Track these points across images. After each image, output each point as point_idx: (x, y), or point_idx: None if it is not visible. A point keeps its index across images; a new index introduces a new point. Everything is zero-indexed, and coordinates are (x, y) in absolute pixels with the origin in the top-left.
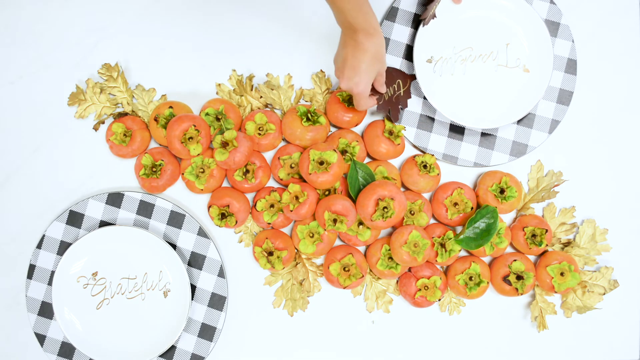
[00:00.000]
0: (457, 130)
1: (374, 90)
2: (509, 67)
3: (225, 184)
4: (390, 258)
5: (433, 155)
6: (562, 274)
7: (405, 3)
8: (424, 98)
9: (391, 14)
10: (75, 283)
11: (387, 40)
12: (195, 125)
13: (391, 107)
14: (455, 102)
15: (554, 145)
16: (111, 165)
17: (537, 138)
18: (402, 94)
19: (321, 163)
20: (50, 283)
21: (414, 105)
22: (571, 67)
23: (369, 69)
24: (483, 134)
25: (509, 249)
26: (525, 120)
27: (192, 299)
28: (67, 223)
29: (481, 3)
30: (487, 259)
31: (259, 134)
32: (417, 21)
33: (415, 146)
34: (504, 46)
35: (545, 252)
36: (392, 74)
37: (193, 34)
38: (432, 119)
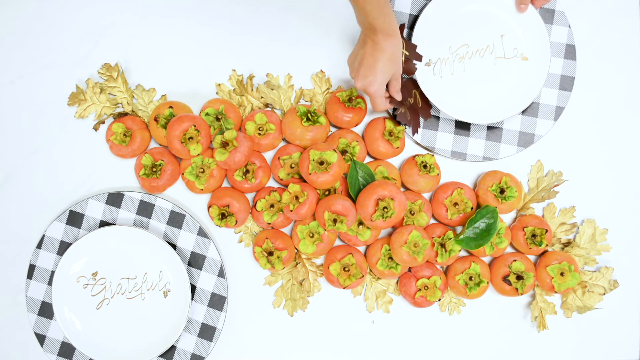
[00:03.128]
0: (463, 126)
1: (390, 97)
2: (507, 58)
3: (225, 184)
4: (390, 258)
5: (433, 155)
6: (562, 274)
7: (399, 5)
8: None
9: None
10: (75, 283)
11: None
12: (195, 125)
13: (412, 116)
14: (459, 100)
15: (554, 145)
16: (111, 165)
17: (543, 126)
18: (420, 105)
19: (321, 163)
20: (50, 283)
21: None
22: (570, 52)
23: (385, 69)
24: (489, 128)
25: (509, 249)
26: (529, 110)
27: (192, 299)
28: (67, 223)
29: None
30: (487, 259)
31: (259, 134)
32: (413, 22)
33: (422, 146)
34: (499, 38)
35: (545, 252)
36: (408, 85)
37: (193, 34)
38: (437, 118)
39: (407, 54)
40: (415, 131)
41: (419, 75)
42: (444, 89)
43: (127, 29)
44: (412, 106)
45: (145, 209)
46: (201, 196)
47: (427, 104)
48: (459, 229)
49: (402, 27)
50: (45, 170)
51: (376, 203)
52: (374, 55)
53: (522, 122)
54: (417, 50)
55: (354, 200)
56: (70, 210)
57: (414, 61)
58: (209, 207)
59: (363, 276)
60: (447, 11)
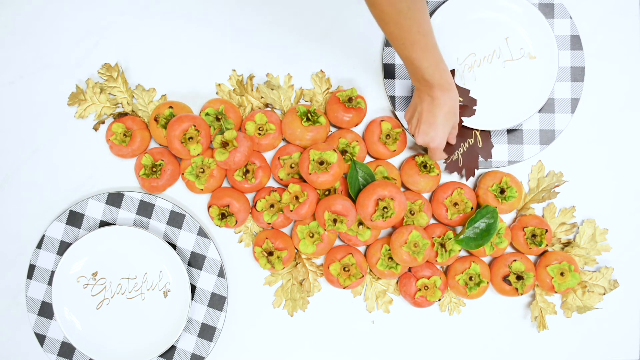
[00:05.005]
0: (482, 134)
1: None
2: (515, 60)
3: (225, 184)
4: (390, 258)
5: None
6: (562, 274)
7: None
8: None
9: None
10: (75, 283)
11: (392, 65)
12: (195, 125)
13: (466, 161)
14: (477, 110)
15: (555, 146)
16: (111, 165)
17: (562, 121)
18: (482, 145)
19: (321, 163)
20: (50, 283)
21: None
22: (576, 43)
23: (445, 123)
24: (509, 131)
25: (509, 249)
26: (545, 107)
27: (192, 299)
28: (67, 223)
29: (468, 7)
30: (487, 259)
31: (259, 134)
32: None
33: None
34: (503, 41)
35: (545, 252)
36: (465, 129)
37: (193, 34)
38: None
39: (462, 100)
40: (471, 174)
41: None
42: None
43: (127, 29)
44: (470, 148)
45: (145, 209)
46: (201, 196)
47: (489, 141)
48: (459, 229)
49: (452, 73)
50: (45, 170)
51: (376, 203)
52: (433, 111)
53: (540, 120)
54: (469, 94)
55: (354, 200)
56: (70, 210)
57: (472, 106)
58: (209, 207)
59: (363, 276)
60: (449, 24)
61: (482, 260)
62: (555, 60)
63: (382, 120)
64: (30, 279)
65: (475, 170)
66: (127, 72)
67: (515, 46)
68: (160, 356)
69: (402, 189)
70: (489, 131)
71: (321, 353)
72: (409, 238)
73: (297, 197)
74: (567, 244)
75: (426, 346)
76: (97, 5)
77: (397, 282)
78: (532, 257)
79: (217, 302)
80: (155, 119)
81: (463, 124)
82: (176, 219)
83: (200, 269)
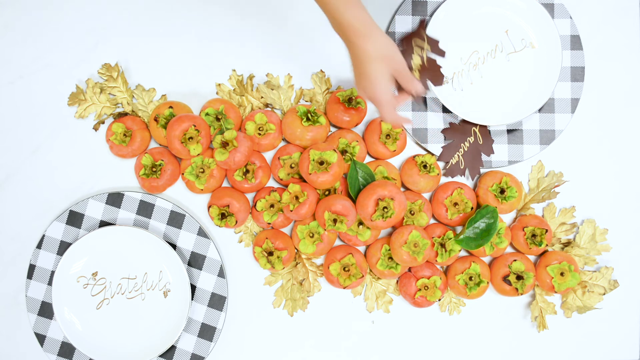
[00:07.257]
0: (483, 133)
1: (403, 91)
2: (518, 52)
3: (225, 184)
4: (390, 258)
5: (433, 155)
6: (562, 274)
7: (400, 26)
8: (444, 111)
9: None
10: (75, 283)
11: None
12: (195, 125)
13: (468, 164)
14: (487, 107)
15: (555, 145)
16: (111, 165)
17: (562, 121)
18: (481, 142)
19: (321, 163)
20: (50, 283)
21: (438, 122)
22: (576, 43)
23: (381, 73)
24: (509, 131)
25: (509, 249)
26: (545, 107)
27: (192, 299)
28: (67, 223)
29: (464, 6)
30: (487, 259)
31: (259, 134)
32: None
33: (423, 147)
34: (504, 34)
35: (545, 252)
36: (462, 127)
37: (193, 34)
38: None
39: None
40: (477, 173)
41: (440, 95)
42: (469, 100)
43: (127, 29)
44: (471, 147)
45: (145, 209)
46: (201, 196)
47: (489, 137)
48: (459, 229)
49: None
50: (45, 170)
51: (376, 203)
52: (362, 62)
53: (540, 120)
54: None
55: (354, 200)
56: (70, 210)
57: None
58: (209, 207)
59: (363, 276)
60: (447, 26)
61: (482, 260)
62: (558, 46)
63: (382, 120)
64: (30, 279)
65: (481, 168)
66: (127, 72)
67: (516, 37)
68: (160, 356)
69: (402, 189)
70: (487, 127)
71: (321, 353)
72: (409, 238)
73: (297, 197)
74: (567, 244)
75: (426, 346)
76: (97, 5)
77: (397, 282)
78: (532, 257)
79: (217, 302)
80: (155, 119)
81: (465, 119)
82: (176, 219)
83: (200, 269)
